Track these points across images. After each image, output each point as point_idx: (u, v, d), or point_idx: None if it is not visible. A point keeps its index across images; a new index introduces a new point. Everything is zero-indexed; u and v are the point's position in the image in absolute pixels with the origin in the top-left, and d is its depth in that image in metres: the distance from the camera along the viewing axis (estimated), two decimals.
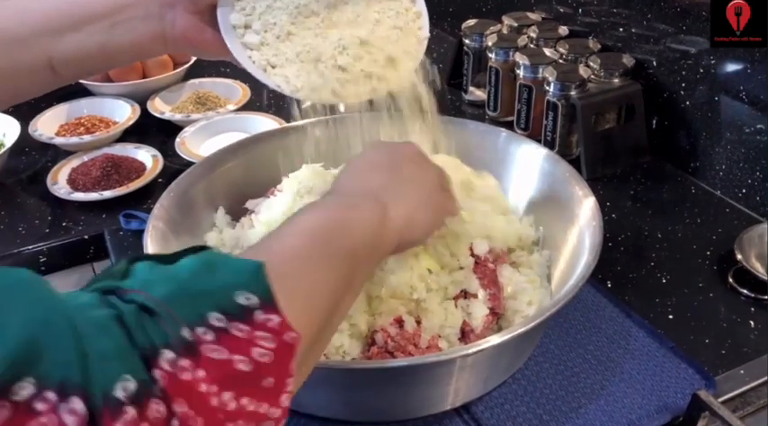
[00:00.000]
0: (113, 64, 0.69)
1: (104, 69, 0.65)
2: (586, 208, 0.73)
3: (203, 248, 0.42)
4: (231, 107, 1.21)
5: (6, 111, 1.19)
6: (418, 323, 0.65)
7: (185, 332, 0.35)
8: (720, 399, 0.67)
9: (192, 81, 1.30)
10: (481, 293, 0.68)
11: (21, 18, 0.59)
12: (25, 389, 0.30)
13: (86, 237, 0.96)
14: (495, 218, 0.75)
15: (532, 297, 0.71)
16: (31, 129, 1.13)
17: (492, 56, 1.14)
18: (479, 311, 0.67)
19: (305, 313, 0.43)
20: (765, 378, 0.70)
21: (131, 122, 1.16)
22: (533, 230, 0.78)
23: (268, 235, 0.49)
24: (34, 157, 1.14)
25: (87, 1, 0.59)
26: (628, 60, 1.06)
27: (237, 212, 0.83)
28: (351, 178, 0.60)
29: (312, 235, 0.49)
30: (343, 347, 0.64)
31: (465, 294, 0.68)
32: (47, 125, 1.16)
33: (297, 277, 0.44)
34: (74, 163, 1.08)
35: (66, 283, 1.01)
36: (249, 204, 0.83)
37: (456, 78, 1.30)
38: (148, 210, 0.76)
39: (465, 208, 0.71)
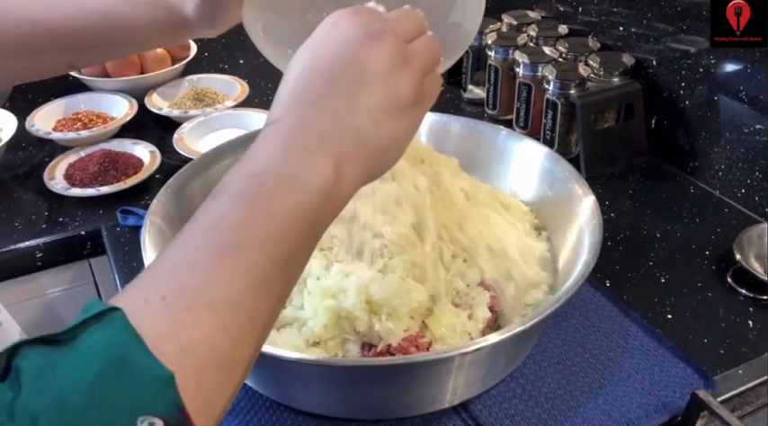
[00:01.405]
0: (115, 42, 0.64)
1: (105, 52, 0.64)
2: (586, 206, 0.73)
3: (109, 311, 0.34)
4: (229, 103, 1.20)
5: (3, 106, 1.19)
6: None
7: None
8: (719, 399, 0.67)
9: (190, 77, 1.29)
10: (484, 296, 0.68)
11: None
12: None
13: (83, 233, 0.96)
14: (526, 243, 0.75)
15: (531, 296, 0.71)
16: (28, 124, 1.12)
17: (491, 54, 1.14)
18: (481, 313, 0.67)
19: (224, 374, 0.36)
20: (764, 378, 0.70)
21: (129, 118, 1.15)
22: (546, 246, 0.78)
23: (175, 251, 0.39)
24: (31, 152, 1.13)
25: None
26: (627, 59, 1.06)
27: None
28: (297, 102, 0.44)
29: (232, 249, 0.38)
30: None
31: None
32: (44, 120, 1.15)
33: (215, 327, 0.36)
34: (71, 158, 1.07)
35: (62, 279, 1.01)
36: None
37: (455, 76, 1.30)
38: (146, 206, 0.75)
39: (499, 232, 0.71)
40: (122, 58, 1.20)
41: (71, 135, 1.11)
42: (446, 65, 0.57)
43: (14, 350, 0.32)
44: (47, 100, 1.21)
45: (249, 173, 0.42)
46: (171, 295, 0.36)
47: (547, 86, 1.04)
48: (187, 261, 0.38)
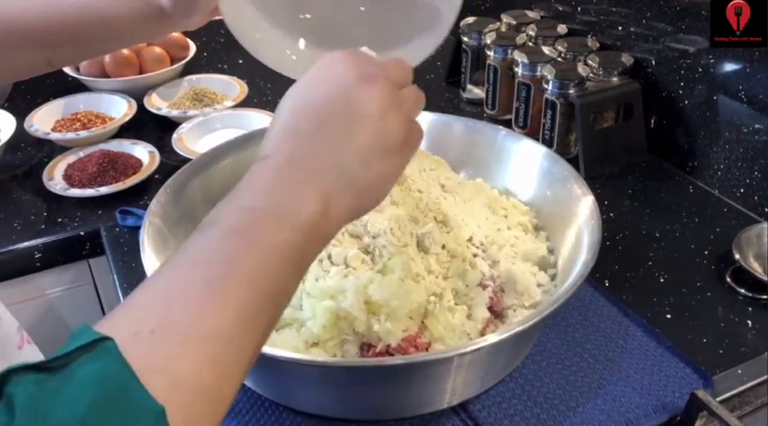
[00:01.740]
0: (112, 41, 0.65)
1: (104, 49, 0.63)
2: (585, 206, 0.73)
3: (100, 340, 0.34)
4: (228, 103, 1.20)
5: (2, 106, 1.19)
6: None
7: None
8: (718, 398, 0.67)
9: (189, 77, 1.29)
10: (483, 296, 0.68)
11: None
12: None
13: (82, 234, 0.96)
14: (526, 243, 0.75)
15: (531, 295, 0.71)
16: (26, 125, 1.12)
17: (490, 54, 1.14)
18: (480, 314, 0.67)
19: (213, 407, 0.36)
20: (763, 378, 0.70)
21: (128, 118, 1.15)
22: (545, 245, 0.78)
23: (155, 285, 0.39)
24: (30, 153, 1.13)
25: None
26: (626, 59, 1.06)
27: None
28: (289, 138, 0.45)
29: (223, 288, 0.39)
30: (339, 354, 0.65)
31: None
32: (43, 120, 1.15)
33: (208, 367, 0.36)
34: (70, 158, 1.07)
35: (61, 280, 1.01)
36: None
37: (454, 76, 1.30)
38: (145, 207, 0.75)
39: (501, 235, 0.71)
40: (102, 55, 1.18)
41: (70, 135, 1.10)
42: (425, 52, 0.58)
43: (5, 377, 0.32)
44: (46, 100, 1.21)
45: (240, 207, 0.42)
46: (161, 329, 0.36)
47: (546, 86, 1.04)
48: (177, 295, 0.38)
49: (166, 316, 0.37)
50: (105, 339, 0.34)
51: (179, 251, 0.41)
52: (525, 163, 0.83)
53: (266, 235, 0.41)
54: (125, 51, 1.24)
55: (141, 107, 1.19)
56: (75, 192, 1.00)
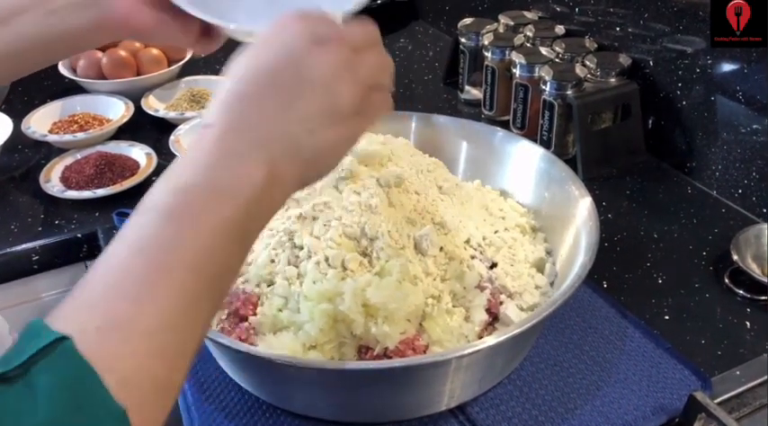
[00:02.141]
0: (51, 57, 0.59)
1: (42, 64, 0.58)
2: (583, 208, 0.73)
3: (58, 340, 0.33)
4: None
5: None
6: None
7: None
8: (717, 400, 0.67)
9: (186, 78, 1.29)
10: (481, 298, 0.68)
11: None
12: None
13: (79, 236, 0.96)
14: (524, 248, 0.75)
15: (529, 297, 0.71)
16: (23, 127, 1.12)
17: (488, 55, 1.14)
18: (477, 316, 0.67)
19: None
20: (762, 379, 0.70)
21: (125, 120, 1.15)
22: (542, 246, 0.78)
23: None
24: (27, 155, 1.13)
25: None
26: (624, 60, 1.05)
27: None
28: (232, 106, 0.43)
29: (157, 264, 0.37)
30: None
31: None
32: (40, 122, 1.15)
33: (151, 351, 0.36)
34: (67, 160, 1.07)
35: (58, 282, 1.00)
36: None
37: (452, 77, 1.30)
38: None
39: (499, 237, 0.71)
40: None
41: (67, 137, 1.10)
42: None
43: None
44: (43, 102, 1.20)
45: (177, 187, 0.40)
46: (105, 325, 0.35)
47: (544, 87, 1.04)
48: (118, 287, 0.37)
49: (110, 312, 0.36)
50: (63, 339, 0.33)
51: (118, 237, 0.39)
52: (523, 164, 0.83)
53: (206, 216, 0.39)
54: (122, 53, 1.24)
55: (138, 109, 1.19)
56: (73, 194, 1.00)
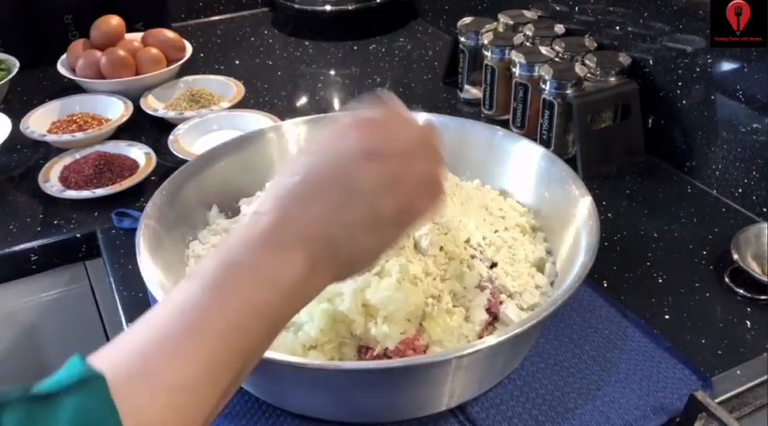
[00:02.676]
0: None
1: None
2: (583, 207, 0.73)
3: (93, 378, 0.36)
4: (225, 104, 1.20)
5: None
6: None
7: None
8: (717, 400, 0.67)
9: (185, 78, 1.29)
10: (481, 298, 0.68)
11: None
12: None
13: (78, 236, 0.95)
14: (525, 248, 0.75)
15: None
16: (22, 126, 1.12)
17: (488, 54, 1.14)
18: (478, 316, 0.67)
19: None
20: (762, 379, 0.70)
21: (124, 120, 1.15)
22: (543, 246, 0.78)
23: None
24: (26, 155, 1.13)
25: None
26: (624, 59, 1.05)
27: (231, 210, 0.83)
28: (285, 201, 0.47)
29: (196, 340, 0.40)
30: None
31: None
32: (39, 122, 1.14)
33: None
34: (66, 160, 1.07)
35: (57, 282, 1.00)
36: (242, 202, 0.82)
37: (451, 76, 1.30)
38: (141, 209, 0.75)
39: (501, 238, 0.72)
40: None
41: (66, 137, 1.10)
42: None
43: (3, 406, 0.34)
44: (41, 102, 1.20)
45: (226, 262, 0.44)
46: (137, 373, 0.38)
47: (543, 86, 1.03)
48: (155, 342, 0.40)
49: (144, 363, 0.39)
50: (98, 377, 0.36)
51: (166, 297, 0.43)
52: (523, 163, 0.83)
53: (245, 292, 0.43)
54: (121, 52, 1.24)
55: (137, 108, 1.18)
56: (72, 194, 0.99)
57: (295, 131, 0.89)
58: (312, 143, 0.50)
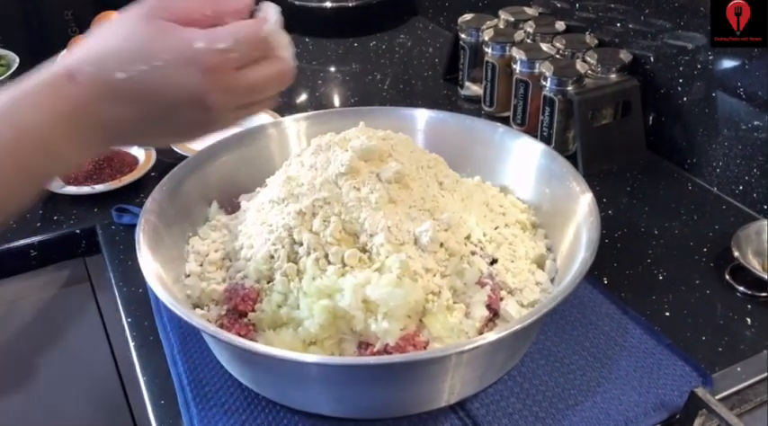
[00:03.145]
0: None
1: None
2: (583, 204, 0.72)
3: None
4: None
5: None
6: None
7: None
8: (717, 396, 0.67)
9: None
10: (482, 295, 0.67)
11: None
12: None
13: (78, 231, 0.95)
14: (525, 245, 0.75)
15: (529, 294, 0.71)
16: None
17: (488, 50, 1.14)
18: (478, 312, 0.66)
19: None
20: (762, 376, 0.70)
21: None
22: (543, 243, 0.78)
23: None
24: None
25: None
26: (625, 56, 1.05)
27: (231, 206, 0.82)
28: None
29: None
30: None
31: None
32: None
33: None
34: None
35: (57, 278, 1.00)
36: (243, 198, 0.82)
37: (452, 73, 1.30)
38: (141, 205, 0.75)
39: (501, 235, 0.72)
40: None
41: None
42: None
43: None
44: None
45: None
46: None
47: (544, 83, 1.03)
48: None
49: None
50: None
51: None
52: (523, 160, 0.82)
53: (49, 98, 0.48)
54: None
55: None
56: (71, 190, 0.99)
57: (295, 127, 0.89)
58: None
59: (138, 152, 1.07)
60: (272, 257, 0.68)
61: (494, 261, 0.72)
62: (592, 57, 1.05)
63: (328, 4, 1.58)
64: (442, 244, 0.68)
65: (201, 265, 0.74)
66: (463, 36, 1.22)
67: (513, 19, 1.20)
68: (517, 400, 0.67)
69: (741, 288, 0.81)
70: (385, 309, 0.62)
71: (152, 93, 0.50)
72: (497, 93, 1.16)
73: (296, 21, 1.62)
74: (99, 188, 0.99)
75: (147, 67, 0.49)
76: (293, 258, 0.68)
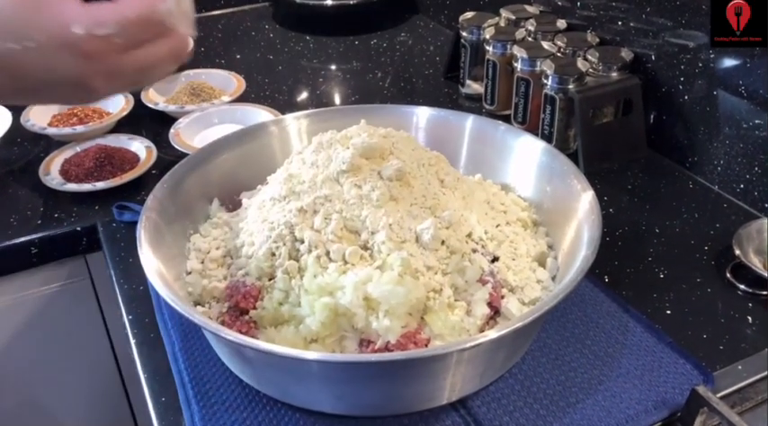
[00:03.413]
0: None
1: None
2: (585, 202, 0.72)
3: None
4: (226, 98, 1.20)
5: None
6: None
7: None
8: (719, 395, 0.67)
9: (186, 72, 1.28)
10: (483, 292, 0.67)
11: None
12: None
13: (79, 229, 0.95)
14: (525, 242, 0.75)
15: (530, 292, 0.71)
16: (23, 120, 1.12)
17: (489, 49, 1.14)
18: (479, 310, 0.66)
19: None
20: (763, 374, 0.70)
21: (125, 113, 1.14)
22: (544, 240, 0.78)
23: None
24: (26, 148, 1.12)
25: None
26: (626, 54, 1.05)
27: (232, 204, 0.82)
28: None
29: None
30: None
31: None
32: (39, 115, 1.14)
33: None
34: (66, 153, 1.06)
35: (58, 275, 1.00)
36: (244, 195, 0.82)
37: (453, 71, 1.30)
38: (142, 202, 0.75)
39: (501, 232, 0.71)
40: None
41: (67, 130, 1.10)
42: None
43: None
44: None
45: None
46: None
47: (545, 81, 1.03)
48: None
49: None
50: None
51: None
52: (525, 158, 0.82)
53: None
54: None
55: (138, 102, 1.18)
56: (72, 187, 0.99)
57: (296, 125, 0.89)
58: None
59: (138, 149, 1.07)
60: (274, 254, 0.68)
61: (495, 259, 0.72)
62: (593, 56, 1.05)
63: (329, 2, 1.58)
64: (443, 242, 0.68)
65: (203, 262, 0.74)
66: (464, 34, 1.22)
67: (514, 17, 1.20)
68: (518, 398, 0.67)
69: (742, 287, 0.81)
70: (386, 307, 0.62)
71: (28, 73, 0.46)
72: (498, 92, 1.16)
73: (297, 19, 1.63)
74: (100, 185, 0.99)
75: (18, 47, 0.45)
76: (294, 255, 0.68)
